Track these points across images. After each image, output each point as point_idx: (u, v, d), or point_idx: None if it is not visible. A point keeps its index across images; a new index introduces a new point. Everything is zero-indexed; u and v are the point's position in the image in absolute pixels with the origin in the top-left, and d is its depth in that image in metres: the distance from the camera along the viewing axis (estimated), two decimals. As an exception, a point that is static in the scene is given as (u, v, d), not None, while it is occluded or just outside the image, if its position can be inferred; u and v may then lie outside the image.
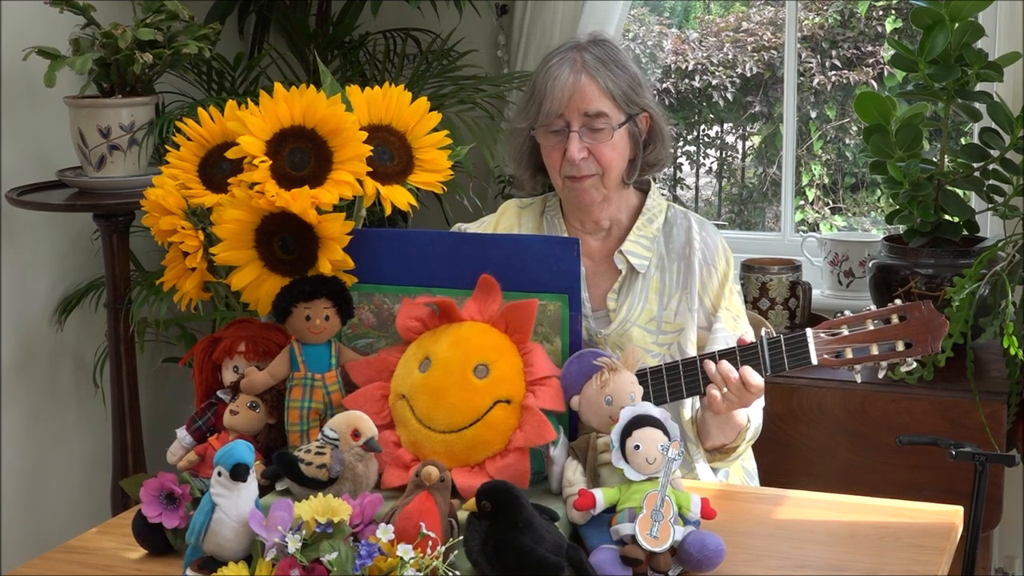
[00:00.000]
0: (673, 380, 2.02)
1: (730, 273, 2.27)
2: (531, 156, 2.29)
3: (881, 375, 1.99)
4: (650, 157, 2.28)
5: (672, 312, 2.23)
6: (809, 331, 1.97)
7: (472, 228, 2.37)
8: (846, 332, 1.97)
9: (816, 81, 4.57)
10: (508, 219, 2.36)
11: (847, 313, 2.00)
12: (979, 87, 2.93)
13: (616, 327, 2.23)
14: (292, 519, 1.53)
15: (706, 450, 2.21)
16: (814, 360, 1.96)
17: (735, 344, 2.02)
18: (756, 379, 1.97)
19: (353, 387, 1.84)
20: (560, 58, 2.21)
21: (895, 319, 1.96)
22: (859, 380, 2.01)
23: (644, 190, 2.32)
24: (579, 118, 2.18)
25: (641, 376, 2.02)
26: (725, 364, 1.98)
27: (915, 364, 1.99)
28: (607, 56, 2.21)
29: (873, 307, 2.00)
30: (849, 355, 1.97)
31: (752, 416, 2.16)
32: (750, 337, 2.04)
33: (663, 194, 2.37)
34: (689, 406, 2.22)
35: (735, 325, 2.24)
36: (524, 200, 2.38)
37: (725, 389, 1.98)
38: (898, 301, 2.00)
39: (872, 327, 1.97)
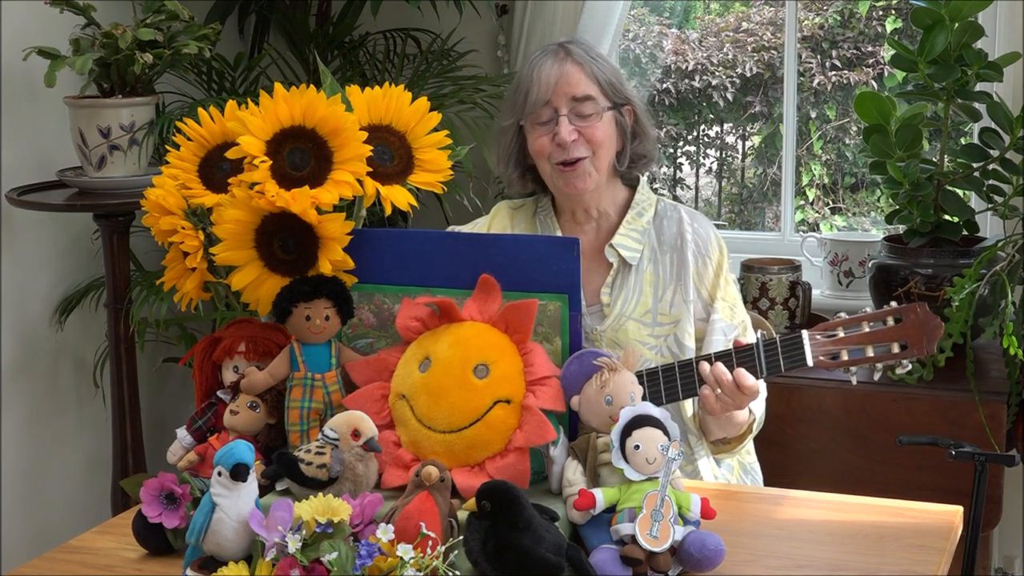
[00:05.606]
0: (669, 382, 2.02)
1: (724, 262, 2.28)
2: (519, 153, 2.32)
3: (876, 376, 1.99)
4: (638, 149, 2.32)
5: (667, 304, 2.24)
6: (805, 332, 1.97)
7: (465, 231, 2.37)
8: (842, 334, 1.97)
9: (816, 81, 4.57)
10: (501, 220, 2.37)
11: (843, 315, 2.00)
12: (979, 87, 2.93)
13: (611, 322, 2.24)
14: (292, 519, 1.53)
15: (710, 443, 2.22)
16: (810, 362, 1.96)
17: (733, 337, 2.02)
18: (749, 380, 1.97)
19: (353, 387, 1.83)
20: (543, 52, 2.28)
21: (891, 321, 1.96)
22: (855, 382, 2.02)
23: (633, 186, 2.34)
24: (567, 103, 2.22)
25: (637, 377, 2.02)
26: (719, 366, 1.97)
27: (911, 365, 1.99)
28: (589, 49, 2.29)
29: (871, 309, 2.00)
30: (845, 357, 1.97)
31: (754, 407, 2.16)
32: (750, 333, 2.04)
33: (653, 189, 2.38)
34: (691, 403, 2.22)
35: (732, 314, 2.25)
36: (516, 201, 2.41)
37: (719, 390, 1.98)
38: (894, 303, 2.00)
39: (868, 329, 1.97)
